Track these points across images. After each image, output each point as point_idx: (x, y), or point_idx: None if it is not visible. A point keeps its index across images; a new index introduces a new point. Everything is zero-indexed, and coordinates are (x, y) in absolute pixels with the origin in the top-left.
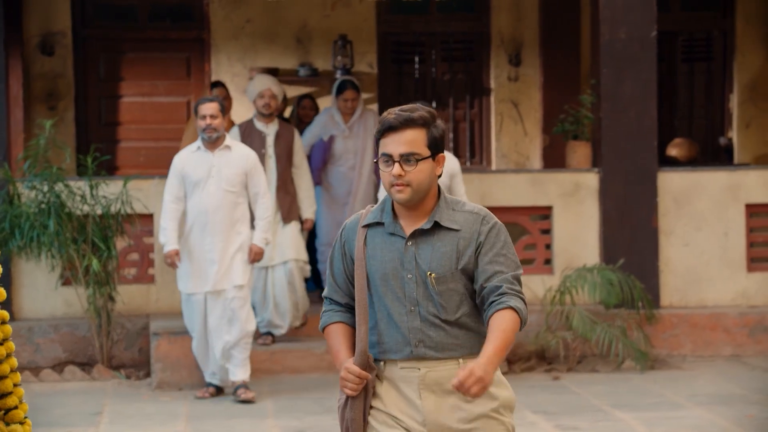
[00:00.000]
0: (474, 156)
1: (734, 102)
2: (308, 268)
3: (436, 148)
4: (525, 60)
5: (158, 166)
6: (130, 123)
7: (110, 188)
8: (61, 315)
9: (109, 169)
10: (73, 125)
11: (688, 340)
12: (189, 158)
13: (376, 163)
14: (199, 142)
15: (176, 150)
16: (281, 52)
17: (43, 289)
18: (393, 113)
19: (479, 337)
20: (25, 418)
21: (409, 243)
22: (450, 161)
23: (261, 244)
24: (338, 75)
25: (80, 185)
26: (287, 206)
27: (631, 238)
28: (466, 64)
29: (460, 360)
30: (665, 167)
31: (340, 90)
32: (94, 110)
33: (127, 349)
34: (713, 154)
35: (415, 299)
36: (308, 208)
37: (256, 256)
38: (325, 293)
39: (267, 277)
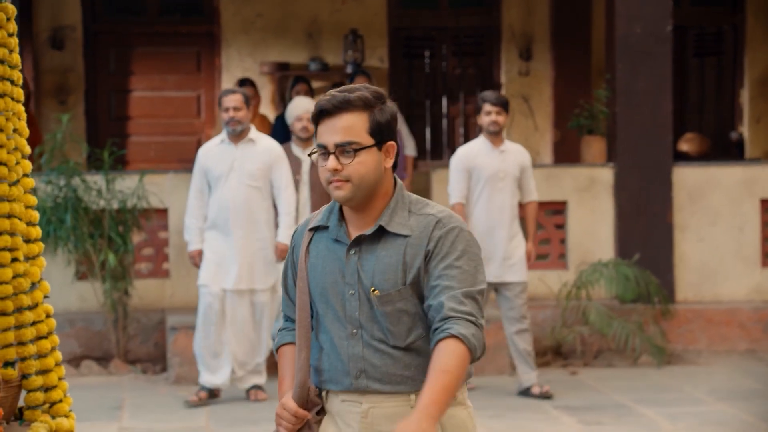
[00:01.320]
0: None
1: (745, 97)
2: None
3: (381, 135)
4: (536, 55)
5: (169, 161)
6: (140, 117)
7: (126, 183)
8: (75, 310)
9: (119, 163)
10: (83, 120)
11: (703, 335)
12: (212, 151)
13: (395, 163)
14: (223, 135)
15: (187, 144)
16: (292, 46)
17: (58, 284)
18: (329, 94)
19: None
20: (70, 411)
21: (352, 251)
22: (522, 154)
23: (287, 241)
24: (349, 69)
25: (96, 180)
26: None
27: (646, 233)
28: (477, 58)
29: (412, 396)
30: (679, 162)
31: (351, 79)
32: (104, 105)
33: (142, 344)
34: (724, 149)
35: (357, 320)
36: None
37: (281, 254)
38: (282, 308)
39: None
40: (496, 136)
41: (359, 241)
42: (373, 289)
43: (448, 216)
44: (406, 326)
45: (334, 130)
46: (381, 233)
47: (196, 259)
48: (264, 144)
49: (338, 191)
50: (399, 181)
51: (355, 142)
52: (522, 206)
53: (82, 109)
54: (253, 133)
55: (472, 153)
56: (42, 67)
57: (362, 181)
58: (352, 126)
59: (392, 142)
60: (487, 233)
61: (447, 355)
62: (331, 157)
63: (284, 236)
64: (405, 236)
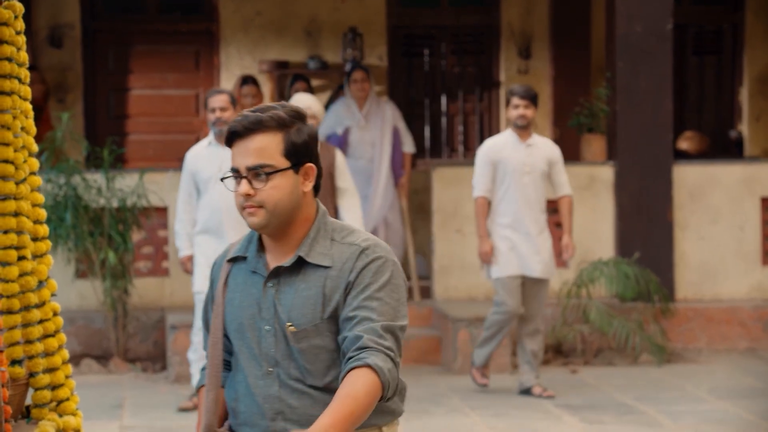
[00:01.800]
0: None
1: (744, 95)
2: None
3: (297, 156)
4: (535, 53)
5: (167, 159)
6: (139, 116)
7: (126, 181)
8: (75, 308)
9: (118, 162)
10: (82, 118)
11: (703, 333)
12: (200, 154)
13: (394, 156)
14: (210, 137)
15: (186, 143)
16: (291, 44)
17: (58, 282)
18: (241, 115)
19: None
20: (77, 409)
21: (269, 284)
22: (551, 148)
23: None
24: (348, 68)
25: (96, 178)
26: None
27: (646, 231)
28: (476, 57)
29: None
30: (679, 160)
31: (350, 73)
32: (103, 103)
33: (142, 342)
34: (723, 147)
35: (273, 358)
36: None
37: None
38: (203, 345)
39: None
40: (523, 129)
41: (277, 273)
42: (289, 324)
43: (373, 245)
44: (324, 364)
45: (246, 153)
46: (301, 264)
47: (187, 265)
48: None
49: (252, 218)
50: (322, 206)
51: (268, 164)
52: (555, 201)
53: (81, 107)
54: None
55: (499, 146)
56: (40, 65)
57: (276, 206)
58: (264, 148)
59: (311, 164)
60: (514, 227)
61: (357, 383)
62: (243, 182)
63: None
64: (326, 267)
